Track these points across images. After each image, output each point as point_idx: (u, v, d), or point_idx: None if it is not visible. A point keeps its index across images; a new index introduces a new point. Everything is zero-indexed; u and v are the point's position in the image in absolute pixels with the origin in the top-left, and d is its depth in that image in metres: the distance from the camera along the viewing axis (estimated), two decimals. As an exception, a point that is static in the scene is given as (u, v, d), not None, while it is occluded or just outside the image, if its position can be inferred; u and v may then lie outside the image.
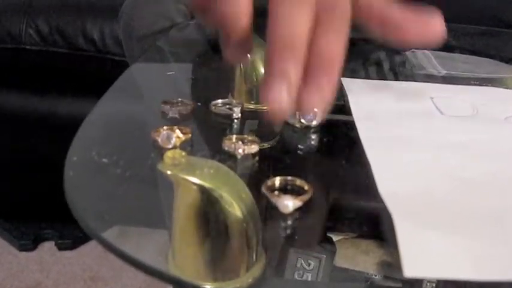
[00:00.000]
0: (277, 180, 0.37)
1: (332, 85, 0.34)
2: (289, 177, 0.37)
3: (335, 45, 0.35)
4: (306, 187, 0.36)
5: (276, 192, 0.36)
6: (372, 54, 0.62)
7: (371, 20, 0.42)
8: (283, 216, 0.34)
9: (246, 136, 0.42)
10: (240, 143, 0.41)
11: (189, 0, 0.39)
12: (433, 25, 0.41)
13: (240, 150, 0.40)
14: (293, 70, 0.34)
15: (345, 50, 0.35)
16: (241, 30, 0.36)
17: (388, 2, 0.42)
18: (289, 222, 0.35)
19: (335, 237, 0.34)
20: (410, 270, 0.29)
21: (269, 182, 0.37)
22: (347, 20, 0.37)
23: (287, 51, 0.34)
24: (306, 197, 0.35)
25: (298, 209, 0.35)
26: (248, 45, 0.38)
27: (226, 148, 0.41)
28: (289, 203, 0.34)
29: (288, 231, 0.35)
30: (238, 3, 0.36)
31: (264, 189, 0.35)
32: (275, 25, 0.35)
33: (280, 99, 0.33)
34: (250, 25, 0.37)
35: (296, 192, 0.35)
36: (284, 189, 0.36)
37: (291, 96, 0.33)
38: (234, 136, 0.42)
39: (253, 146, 0.40)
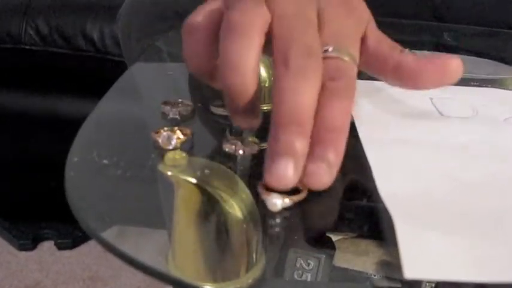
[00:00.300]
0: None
1: (339, 155, 0.35)
2: None
3: (340, 114, 0.35)
4: (302, 187, 0.36)
5: (267, 190, 0.35)
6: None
7: (384, 72, 0.42)
8: (272, 215, 0.35)
9: (246, 137, 0.42)
10: (240, 144, 0.41)
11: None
12: (451, 64, 0.41)
13: (240, 151, 0.40)
14: (299, 144, 0.33)
15: (350, 118, 0.36)
16: (249, 100, 0.36)
17: (397, 48, 0.42)
18: (278, 220, 0.35)
19: (334, 237, 0.34)
20: (410, 271, 0.29)
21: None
22: (353, 87, 0.37)
23: (293, 125, 0.34)
24: (297, 197, 0.35)
25: (288, 209, 0.35)
26: (257, 111, 0.38)
27: (226, 149, 0.41)
28: (277, 201, 0.35)
29: (276, 230, 0.35)
30: (244, 73, 0.36)
31: (259, 187, 0.36)
32: (280, 98, 0.34)
33: (286, 175, 0.33)
34: (257, 93, 0.36)
35: (291, 192, 0.35)
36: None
37: (298, 171, 0.33)
38: (234, 137, 0.42)
39: (253, 148, 0.40)
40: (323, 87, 0.35)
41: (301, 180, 0.35)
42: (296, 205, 0.35)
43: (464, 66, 0.42)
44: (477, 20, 0.74)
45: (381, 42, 0.43)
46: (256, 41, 0.36)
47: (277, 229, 0.35)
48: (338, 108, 0.35)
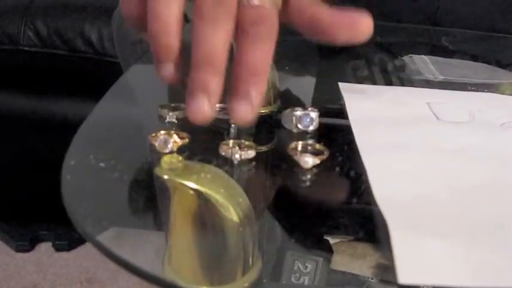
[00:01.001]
0: (300, 144, 0.42)
1: (259, 93, 0.38)
2: (309, 141, 0.43)
3: (261, 56, 0.38)
4: (324, 150, 0.41)
5: (298, 152, 0.41)
6: (370, 58, 0.62)
7: (301, 23, 0.44)
8: (303, 171, 0.40)
9: (242, 141, 0.42)
10: (237, 148, 0.41)
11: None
12: (361, 22, 0.42)
13: (237, 155, 0.40)
14: (213, 81, 0.37)
15: (271, 60, 0.38)
16: (169, 48, 0.39)
17: (318, 3, 0.44)
18: (309, 176, 0.40)
19: (332, 240, 0.34)
20: (404, 276, 0.29)
21: (293, 145, 0.42)
22: (274, 30, 0.39)
23: (206, 66, 0.37)
24: (323, 156, 0.40)
25: (316, 166, 0.40)
26: (178, 65, 0.40)
27: (223, 153, 0.41)
28: (309, 160, 0.40)
29: (308, 184, 0.40)
30: (165, 21, 0.38)
31: (288, 150, 0.41)
32: (195, 44, 0.37)
33: (201, 110, 0.37)
34: (179, 43, 0.39)
35: (316, 153, 0.41)
36: (305, 151, 0.42)
37: (212, 106, 0.37)
38: (231, 141, 0.42)
39: (250, 152, 0.41)
40: (244, 32, 0.38)
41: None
42: (322, 163, 0.40)
43: (462, 71, 0.42)
44: (473, 25, 0.74)
45: None
46: None
47: (308, 183, 0.40)
48: (259, 52, 0.38)
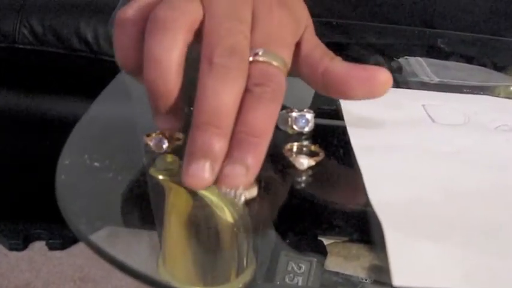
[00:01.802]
0: (295, 145, 0.42)
1: (258, 160, 0.34)
2: (305, 142, 0.42)
3: (264, 119, 0.34)
4: (319, 151, 0.41)
5: (294, 153, 0.40)
6: (365, 60, 0.62)
7: (314, 79, 0.41)
8: (299, 173, 0.39)
9: None
10: None
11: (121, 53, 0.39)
12: (379, 76, 0.40)
13: None
14: (217, 145, 0.33)
15: (274, 124, 0.35)
16: (171, 98, 0.36)
17: (330, 56, 0.41)
18: (304, 177, 0.39)
19: (326, 241, 0.34)
20: (399, 279, 0.29)
21: (288, 146, 0.41)
22: (280, 93, 0.36)
23: (212, 126, 0.33)
24: (318, 158, 0.40)
25: (311, 168, 0.40)
26: (179, 112, 0.37)
27: None
28: (304, 161, 0.39)
29: (303, 185, 0.39)
30: (166, 69, 0.35)
31: (284, 151, 0.40)
32: (201, 98, 0.34)
33: (201, 176, 0.32)
34: (178, 91, 0.36)
35: (311, 154, 0.40)
36: (300, 152, 0.41)
37: (214, 172, 0.33)
38: None
39: None
40: (249, 91, 0.34)
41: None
42: (317, 164, 0.40)
43: (458, 73, 0.42)
44: (469, 28, 0.74)
45: (315, 49, 0.42)
46: (180, 38, 0.35)
47: (303, 184, 0.39)
48: (262, 113, 0.34)
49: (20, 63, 1.42)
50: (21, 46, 1.41)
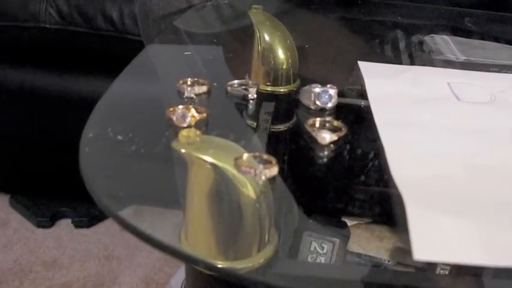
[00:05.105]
0: (318, 120, 0.41)
1: None
2: (328, 118, 0.42)
3: None
4: (342, 127, 0.41)
5: (316, 128, 0.40)
6: (388, 36, 0.62)
7: None
8: (321, 147, 0.39)
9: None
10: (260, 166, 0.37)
11: None
12: None
13: (258, 171, 0.36)
14: None
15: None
16: None
17: None
18: (326, 152, 0.40)
19: (349, 222, 0.34)
20: (419, 253, 0.29)
21: (311, 121, 0.41)
22: None
23: None
24: (341, 133, 0.40)
25: (333, 142, 0.40)
26: None
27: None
28: (326, 136, 0.39)
29: (325, 160, 0.40)
30: None
31: (306, 126, 0.40)
32: None
33: None
34: None
35: (334, 130, 0.40)
36: (323, 127, 0.41)
37: None
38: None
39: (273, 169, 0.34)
40: None
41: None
42: (339, 140, 0.40)
43: (484, 51, 0.41)
44: (496, 5, 0.73)
45: None
46: None
47: (325, 159, 0.40)
48: None
49: (46, 43, 1.43)
50: (47, 26, 1.42)
